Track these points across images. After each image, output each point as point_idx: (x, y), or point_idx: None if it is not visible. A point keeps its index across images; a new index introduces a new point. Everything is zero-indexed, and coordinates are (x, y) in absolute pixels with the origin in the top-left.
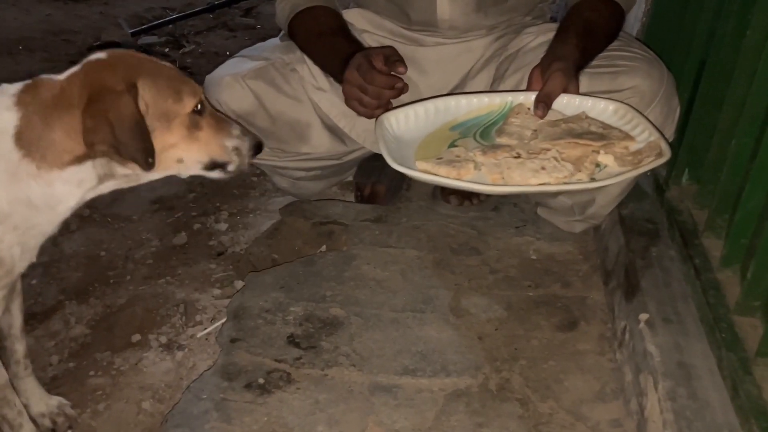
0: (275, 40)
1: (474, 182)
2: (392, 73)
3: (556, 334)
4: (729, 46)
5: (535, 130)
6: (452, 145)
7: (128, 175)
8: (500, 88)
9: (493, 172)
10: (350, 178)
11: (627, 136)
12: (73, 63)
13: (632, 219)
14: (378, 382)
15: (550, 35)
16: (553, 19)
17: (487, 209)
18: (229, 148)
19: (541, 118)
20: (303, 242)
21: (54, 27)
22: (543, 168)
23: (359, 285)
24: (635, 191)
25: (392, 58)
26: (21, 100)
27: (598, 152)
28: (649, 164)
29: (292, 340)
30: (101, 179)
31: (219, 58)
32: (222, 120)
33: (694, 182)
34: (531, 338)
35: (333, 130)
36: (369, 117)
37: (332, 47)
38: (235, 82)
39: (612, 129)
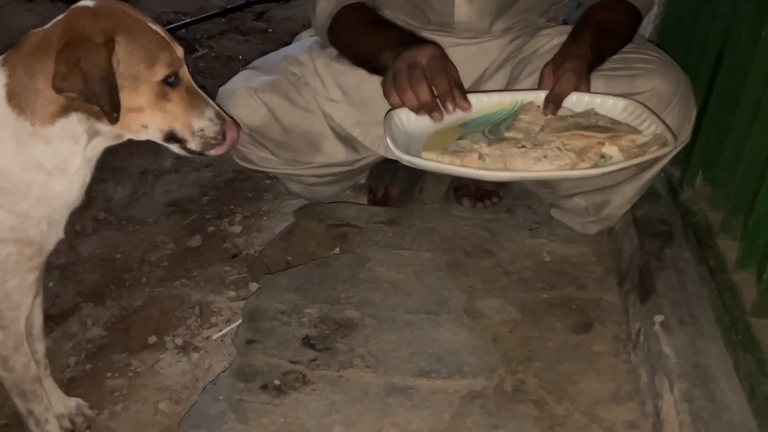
0: (286, 50)
1: (475, 168)
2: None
3: (571, 335)
4: (744, 47)
5: (544, 126)
6: (460, 138)
7: (111, 132)
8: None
9: (497, 162)
10: (363, 181)
11: (634, 130)
12: None
13: (646, 220)
14: (393, 384)
15: (565, 37)
16: (565, 23)
17: (500, 211)
18: (194, 126)
19: (549, 116)
20: (317, 244)
21: None
22: (545, 156)
23: (373, 287)
24: (649, 193)
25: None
26: (7, 58)
27: (603, 144)
28: (653, 153)
29: (307, 342)
30: (90, 135)
31: (232, 62)
32: (198, 98)
33: (709, 184)
34: (546, 340)
35: (346, 140)
36: (412, 105)
37: (386, 30)
38: (248, 96)
39: (620, 124)
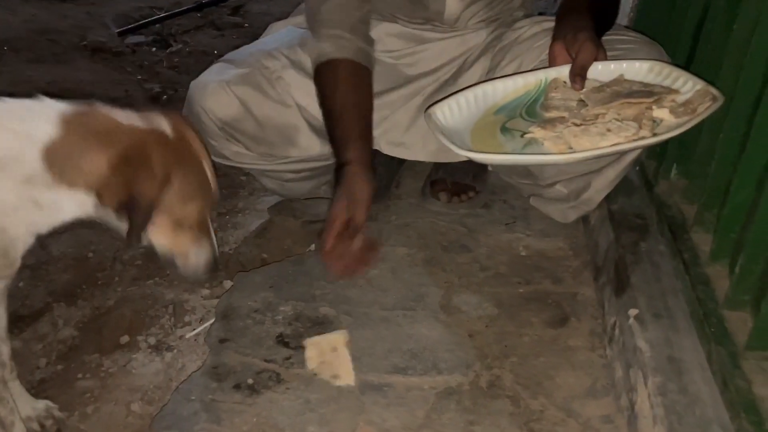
0: (259, 42)
1: (548, 154)
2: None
3: (547, 330)
4: (716, 40)
5: (581, 100)
6: (503, 128)
7: (116, 225)
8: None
9: (558, 144)
10: None
11: (671, 90)
12: (59, 63)
13: (622, 214)
14: (368, 381)
15: (544, 25)
16: (541, 14)
17: (477, 206)
18: (190, 258)
19: (580, 90)
20: (292, 241)
21: (40, 27)
22: (609, 130)
23: (349, 284)
24: (624, 186)
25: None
26: (66, 119)
27: (651, 109)
28: (708, 109)
29: (281, 340)
30: (96, 211)
31: (207, 57)
32: (205, 232)
33: (683, 177)
34: (522, 335)
35: (321, 133)
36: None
37: (342, 136)
38: (220, 89)
39: (653, 86)
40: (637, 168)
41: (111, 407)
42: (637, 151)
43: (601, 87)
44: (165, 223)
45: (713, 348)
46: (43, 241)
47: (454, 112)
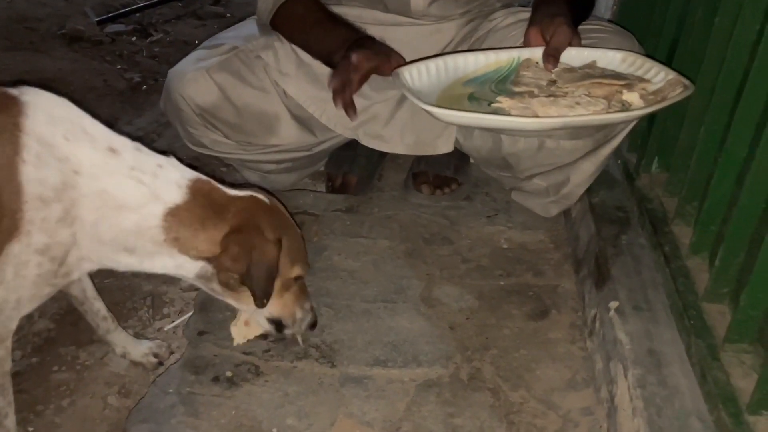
0: (237, 27)
1: (521, 116)
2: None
3: (528, 323)
4: (698, 33)
5: (552, 80)
6: (471, 96)
7: (214, 290)
8: None
9: (525, 113)
10: (322, 168)
11: (642, 79)
12: (37, 51)
13: (603, 207)
14: (348, 374)
15: (519, 15)
16: (522, 6)
17: (459, 198)
18: (297, 316)
19: (551, 70)
20: None
21: (17, 14)
22: (578, 104)
23: (330, 276)
24: (606, 179)
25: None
26: (192, 188)
27: (621, 92)
28: (678, 95)
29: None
30: (196, 277)
31: (188, 47)
32: (304, 292)
33: (664, 170)
34: (502, 327)
35: (301, 121)
36: (342, 99)
37: (333, 29)
38: (199, 76)
39: (626, 75)
40: (619, 161)
41: (87, 400)
42: (614, 144)
43: (573, 69)
44: (277, 287)
45: (692, 340)
46: None
47: (423, 75)
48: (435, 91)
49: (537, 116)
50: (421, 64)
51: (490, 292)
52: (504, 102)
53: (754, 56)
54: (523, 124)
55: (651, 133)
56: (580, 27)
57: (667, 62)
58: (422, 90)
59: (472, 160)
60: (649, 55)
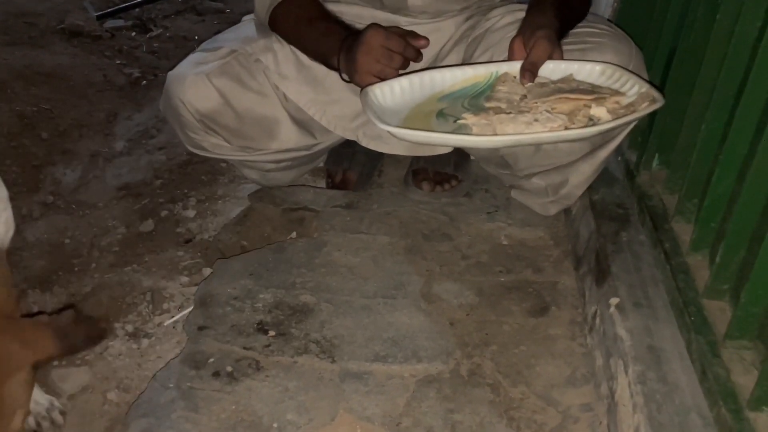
0: (236, 29)
1: (465, 134)
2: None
3: (528, 319)
4: (699, 31)
5: (524, 95)
6: (440, 113)
7: None
8: None
9: (485, 130)
10: (321, 164)
11: (617, 93)
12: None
13: (603, 204)
14: (348, 369)
15: (517, 15)
16: (519, 2)
17: (459, 195)
18: None
19: (527, 84)
20: (273, 229)
21: (16, 9)
22: (536, 120)
23: (330, 272)
24: (606, 177)
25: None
26: None
27: (590, 107)
28: (645, 109)
29: (261, 328)
30: None
31: (187, 42)
32: None
33: (665, 167)
34: (502, 324)
35: (302, 124)
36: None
37: (327, 30)
38: (199, 81)
39: (602, 88)
40: (619, 158)
41: (87, 395)
42: (611, 147)
43: (547, 83)
44: None
45: (693, 337)
46: (18, 227)
47: (395, 93)
48: (408, 107)
49: (495, 134)
50: (394, 82)
51: (490, 288)
52: (468, 118)
53: (756, 53)
54: (474, 142)
55: (651, 130)
56: (578, 30)
57: (668, 61)
58: (394, 107)
59: (472, 158)
60: (628, 69)
